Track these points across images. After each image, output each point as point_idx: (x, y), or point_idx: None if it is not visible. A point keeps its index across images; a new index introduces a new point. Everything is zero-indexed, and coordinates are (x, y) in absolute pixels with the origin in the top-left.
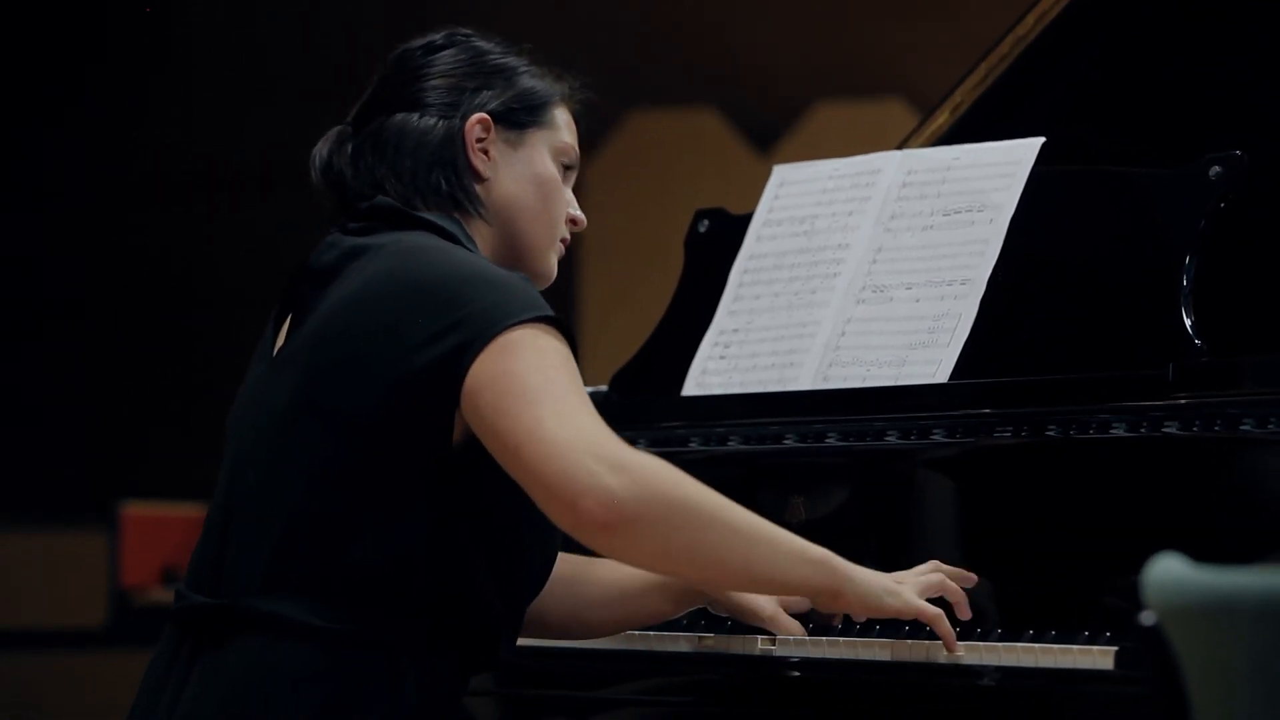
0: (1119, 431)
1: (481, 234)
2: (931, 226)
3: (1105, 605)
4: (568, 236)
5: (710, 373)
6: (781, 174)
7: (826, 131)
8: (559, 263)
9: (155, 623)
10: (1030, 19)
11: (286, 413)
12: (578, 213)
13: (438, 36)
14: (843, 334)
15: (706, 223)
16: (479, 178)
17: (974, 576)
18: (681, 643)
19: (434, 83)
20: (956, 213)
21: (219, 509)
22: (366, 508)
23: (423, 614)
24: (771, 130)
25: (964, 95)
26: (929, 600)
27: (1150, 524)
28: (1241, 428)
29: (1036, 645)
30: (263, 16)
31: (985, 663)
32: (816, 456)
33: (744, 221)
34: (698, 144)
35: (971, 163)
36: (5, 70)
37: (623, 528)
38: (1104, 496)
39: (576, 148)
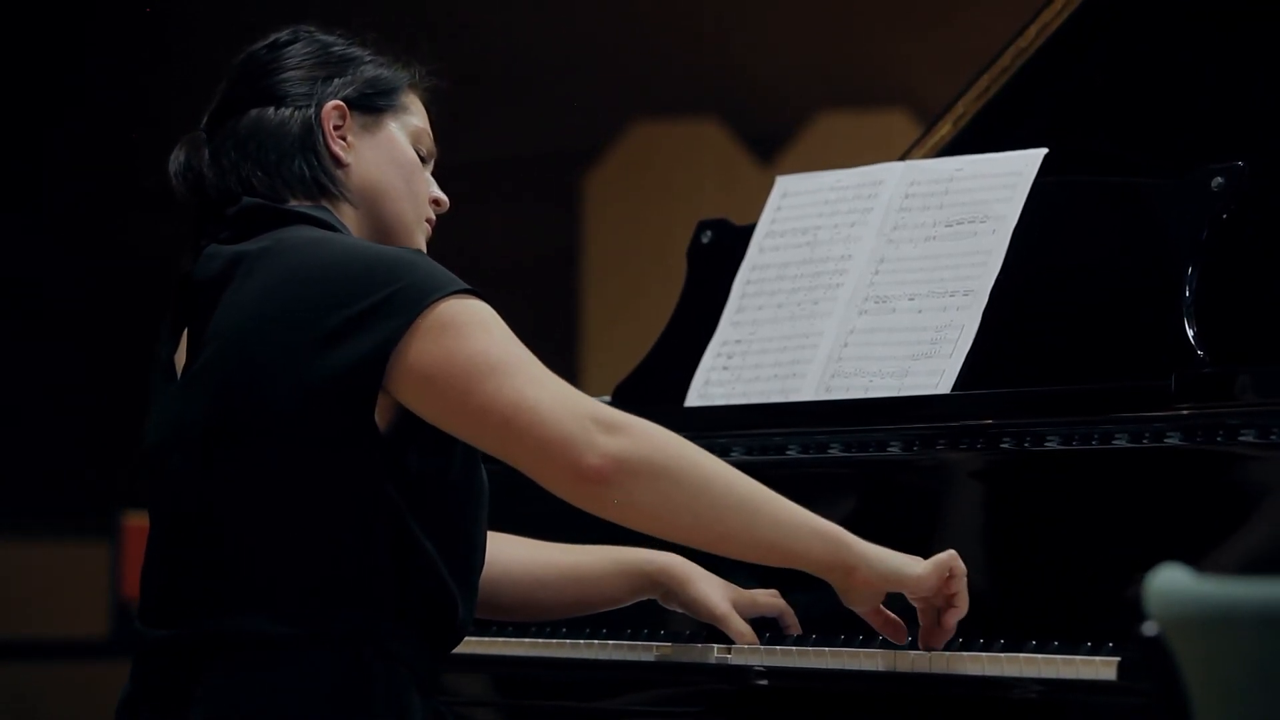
0: (1121, 442)
1: (349, 218)
2: (934, 237)
3: (1107, 616)
4: (433, 217)
5: (713, 383)
6: (784, 185)
7: (829, 142)
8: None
9: None
10: (1032, 30)
11: (210, 430)
12: (440, 194)
13: (282, 34)
14: (845, 345)
15: (709, 233)
16: (340, 163)
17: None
18: (688, 653)
19: (285, 75)
20: (959, 223)
21: (161, 540)
22: (306, 509)
23: (379, 601)
24: (774, 141)
25: (966, 106)
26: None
27: (1153, 535)
28: (1244, 438)
29: (1039, 656)
30: (263, 17)
31: (987, 673)
32: (819, 467)
33: (747, 232)
34: (700, 154)
35: (974, 174)
36: (4, 70)
37: (623, 483)
38: (1106, 507)
39: (431, 133)
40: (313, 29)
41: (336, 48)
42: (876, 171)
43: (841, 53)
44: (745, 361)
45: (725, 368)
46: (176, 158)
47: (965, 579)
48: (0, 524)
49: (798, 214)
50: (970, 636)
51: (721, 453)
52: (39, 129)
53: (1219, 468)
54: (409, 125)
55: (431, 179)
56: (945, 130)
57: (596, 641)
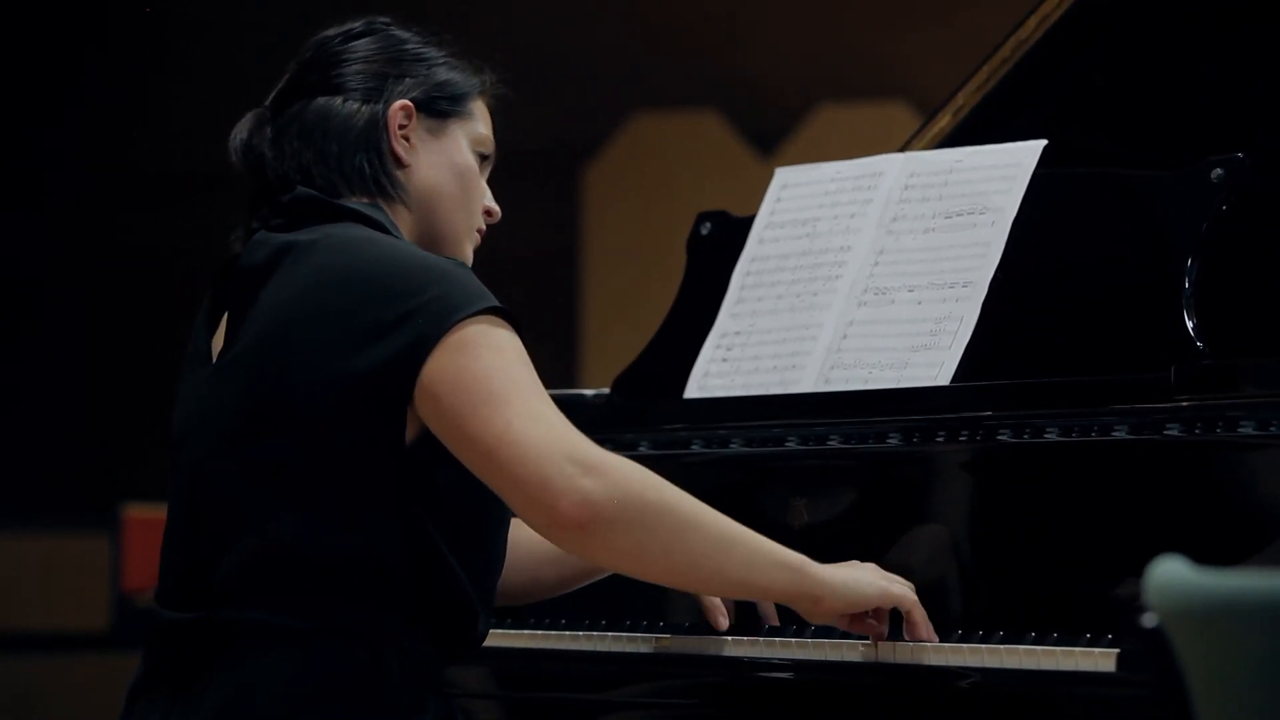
0: (1121, 434)
1: (403, 219)
2: (933, 229)
3: (1107, 608)
4: (483, 227)
5: (712, 375)
6: (783, 176)
7: (829, 134)
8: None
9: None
10: (1032, 22)
11: (239, 418)
12: (493, 204)
13: (356, 25)
14: (845, 336)
15: (709, 225)
16: (400, 164)
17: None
18: (687, 645)
19: (355, 68)
20: (958, 215)
21: (182, 522)
22: (329, 506)
23: (397, 603)
24: (774, 133)
25: (966, 98)
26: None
27: (1152, 526)
28: (1243, 430)
29: (1039, 648)
30: (262, 15)
31: (986, 664)
32: (818, 459)
33: (746, 224)
34: (700, 146)
35: (973, 165)
36: (5, 69)
37: (598, 529)
38: (1106, 499)
39: (492, 140)
40: (389, 22)
41: (410, 45)
42: (876, 163)
43: (841, 45)
44: (744, 353)
45: (724, 359)
46: (238, 133)
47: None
48: (1, 517)
49: (797, 205)
50: (969, 628)
51: (721, 445)
52: (39, 129)
53: (1218, 460)
54: (473, 132)
55: (487, 188)
56: (945, 122)
57: (596, 633)
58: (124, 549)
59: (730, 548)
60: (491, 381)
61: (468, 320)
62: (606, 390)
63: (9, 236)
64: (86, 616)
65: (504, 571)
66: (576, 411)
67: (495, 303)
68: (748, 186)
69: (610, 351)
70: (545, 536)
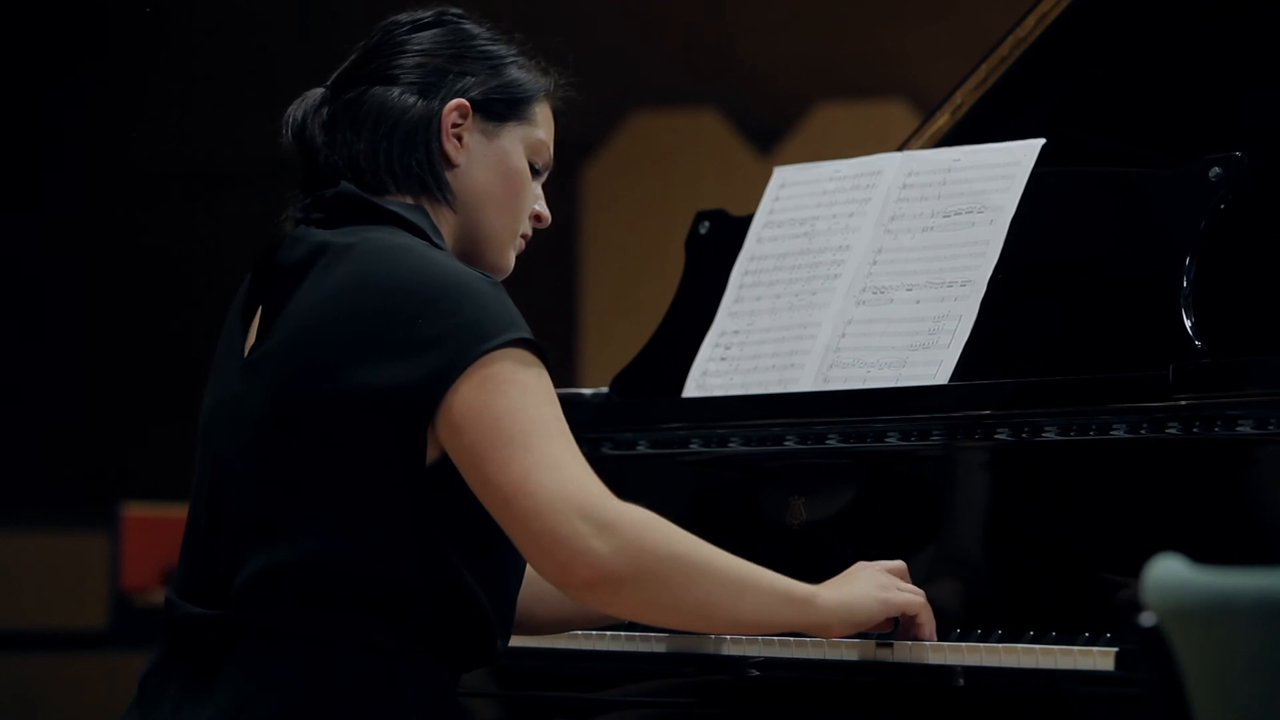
0: (1119, 433)
1: (446, 220)
2: (932, 228)
3: (1105, 606)
4: (529, 232)
5: (711, 374)
6: (782, 175)
7: (827, 132)
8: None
9: (156, 624)
10: (1030, 20)
11: (264, 421)
12: (544, 209)
13: (427, 15)
14: (843, 335)
15: (707, 224)
16: (450, 164)
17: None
18: (685, 644)
19: (416, 60)
20: (957, 214)
21: (204, 515)
22: (349, 520)
23: (414, 619)
24: (772, 131)
25: (965, 96)
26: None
27: (1150, 525)
28: (1241, 429)
29: (1037, 646)
30: (262, 13)
31: (985, 663)
32: (817, 458)
33: (745, 223)
34: (699, 145)
35: (972, 164)
36: (5, 69)
37: (610, 588)
38: (1104, 498)
39: (551, 147)
40: (461, 15)
41: (478, 42)
42: (874, 162)
43: (840, 43)
44: (743, 352)
45: (723, 358)
46: (294, 111)
47: (926, 611)
48: (1, 517)
49: (795, 204)
50: (968, 627)
51: (719, 444)
52: (39, 129)
53: (1216, 458)
54: (530, 137)
55: (540, 193)
56: (943, 120)
57: (594, 632)
58: (123, 547)
59: (741, 593)
60: (514, 423)
61: (496, 351)
62: (605, 389)
63: (9, 236)
64: (85, 615)
65: (532, 605)
66: (575, 411)
67: (526, 333)
68: (746, 185)
69: (609, 350)
70: (558, 589)
